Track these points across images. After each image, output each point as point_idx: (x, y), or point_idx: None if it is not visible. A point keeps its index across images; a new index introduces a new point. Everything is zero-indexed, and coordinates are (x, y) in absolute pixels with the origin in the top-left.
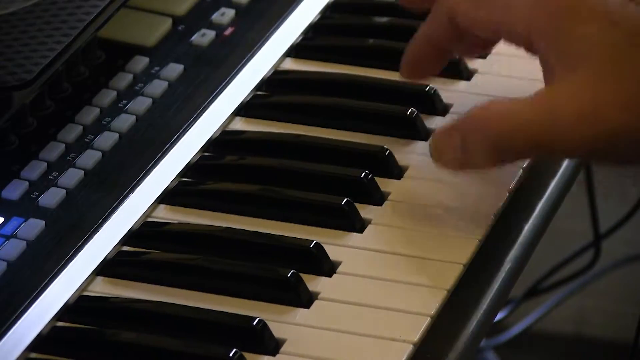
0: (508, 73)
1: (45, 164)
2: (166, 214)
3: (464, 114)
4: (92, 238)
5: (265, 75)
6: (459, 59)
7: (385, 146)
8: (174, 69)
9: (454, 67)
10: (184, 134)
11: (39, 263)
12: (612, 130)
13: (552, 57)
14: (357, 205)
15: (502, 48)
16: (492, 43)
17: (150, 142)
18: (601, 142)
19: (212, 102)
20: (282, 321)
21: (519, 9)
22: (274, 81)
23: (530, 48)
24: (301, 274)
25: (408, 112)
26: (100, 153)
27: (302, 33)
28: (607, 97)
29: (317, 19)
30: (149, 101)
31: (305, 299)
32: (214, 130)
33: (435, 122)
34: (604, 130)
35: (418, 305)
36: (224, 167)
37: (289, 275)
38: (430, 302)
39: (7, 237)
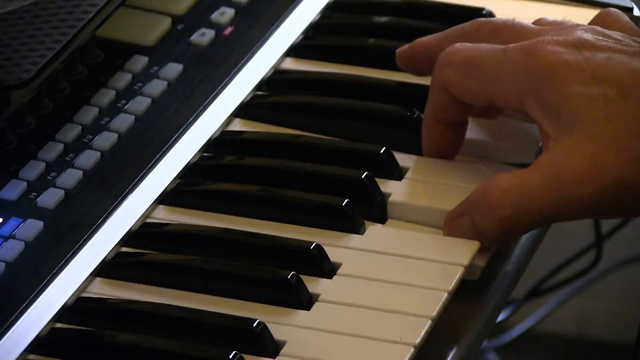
0: None
1: (44, 164)
2: (165, 215)
3: (469, 196)
4: (90, 239)
5: (265, 75)
6: None
7: (386, 147)
8: (173, 69)
9: None
10: (183, 134)
11: (37, 264)
12: (614, 184)
13: (546, 123)
14: (357, 206)
15: None
16: (497, 110)
17: (149, 142)
18: (606, 198)
19: (212, 102)
20: (282, 323)
21: (508, 79)
22: (274, 81)
23: (525, 114)
24: (301, 276)
25: (409, 113)
26: (99, 153)
27: (302, 33)
28: (604, 154)
29: (317, 18)
30: (148, 101)
31: (306, 301)
32: (214, 131)
33: None
34: (607, 186)
35: (419, 307)
36: (224, 167)
37: (289, 277)
38: (431, 304)
39: (6, 238)
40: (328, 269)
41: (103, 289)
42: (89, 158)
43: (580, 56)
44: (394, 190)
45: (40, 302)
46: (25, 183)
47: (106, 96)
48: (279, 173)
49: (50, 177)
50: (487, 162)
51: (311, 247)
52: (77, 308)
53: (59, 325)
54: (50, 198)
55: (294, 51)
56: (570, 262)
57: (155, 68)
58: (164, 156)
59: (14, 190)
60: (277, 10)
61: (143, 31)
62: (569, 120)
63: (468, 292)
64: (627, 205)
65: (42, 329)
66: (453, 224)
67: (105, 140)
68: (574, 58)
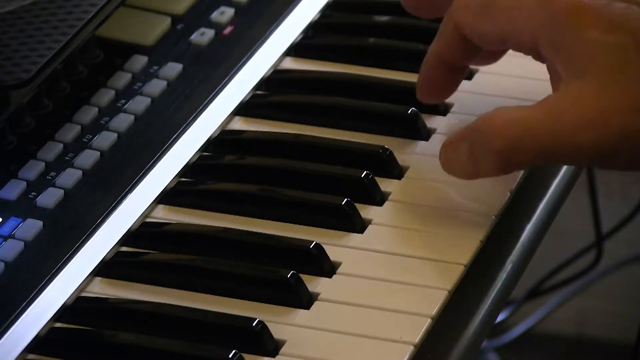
0: (509, 72)
1: (43, 163)
2: (165, 214)
3: (471, 123)
4: (90, 238)
5: (264, 75)
6: None
7: (385, 146)
8: (173, 68)
9: None
10: (182, 134)
11: (36, 264)
12: (617, 133)
13: (558, 63)
14: (357, 205)
15: None
16: (501, 53)
17: (149, 141)
18: (607, 146)
19: (211, 102)
20: (281, 322)
21: (523, 18)
22: (274, 80)
23: (537, 56)
24: (301, 275)
25: (409, 112)
26: (98, 153)
27: (302, 32)
28: (612, 101)
29: (317, 17)
30: (147, 100)
31: (305, 300)
32: (213, 130)
33: (436, 122)
34: (610, 134)
35: (419, 306)
36: (223, 167)
37: (288, 276)
38: (431, 303)
39: (5, 238)
40: (328, 268)
41: (103, 289)
42: (88, 158)
43: (599, 2)
44: (394, 189)
45: (39, 301)
46: (25, 183)
47: (106, 96)
48: (278, 172)
49: (49, 177)
50: None
51: (311, 246)
52: (76, 308)
53: (58, 324)
54: (49, 198)
55: (294, 50)
56: (571, 262)
57: (155, 68)
58: (163, 156)
59: (13, 190)
60: (277, 10)
61: (143, 31)
62: (582, 63)
63: (468, 292)
64: (626, 157)
65: (42, 329)
66: (450, 149)
67: (105, 139)
68: (592, 2)
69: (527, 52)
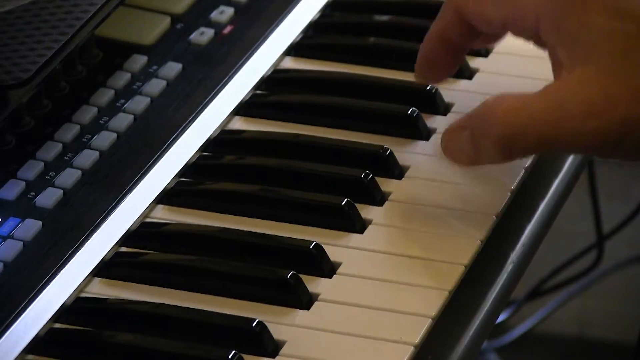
0: (510, 72)
1: (42, 163)
2: (164, 215)
3: (473, 110)
4: (89, 239)
5: (264, 74)
6: None
7: (385, 146)
8: (173, 68)
9: None
10: (182, 134)
11: (35, 264)
12: (620, 122)
13: (561, 50)
14: (357, 205)
15: (504, 47)
16: (499, 36)
17: (149, 141)
18: (609, 135)
19: (211, 101)
20: (281, 323)
21: (526, 2)
22: (274, 80)
23: (539, 42)
24: (301, 275)
25: (409, 112)
26: (97, 153)
27: (302, 31)
28: (616, 89)
29: (317, 17)
30: (147, 100)
31: (305, 301)
32: (213, 130)
33: (436, 122)
34: (613, 122)
35: (419, 307)
36: (223, 167)
37: (288, 277)
38: (432, 304)
39: (4, 238)
40: (328, 269)
41: (102, 289)
42: (87, 158)
43: None
44: (394, 189)
45: (38, 302)
46: (24, 183)
47: (105, 96)
48: (278, 172)
49: (48, 177)
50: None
51: (311, 247)
52: (75, 308)
53: (57, 325)
54: (48, 198)
55: (294, 50)
56: (571, 262)
57: (155, 67)
58: (163, 155)
59: (12, 189)
60: (277, 9)
61: (142, 30)
62: (586, 50)
63: (468, 292)
64: (628, 146)
65: (41, 329)
66: (451, 136)
67: (104, 139)
68: None
69: (528, 37)
